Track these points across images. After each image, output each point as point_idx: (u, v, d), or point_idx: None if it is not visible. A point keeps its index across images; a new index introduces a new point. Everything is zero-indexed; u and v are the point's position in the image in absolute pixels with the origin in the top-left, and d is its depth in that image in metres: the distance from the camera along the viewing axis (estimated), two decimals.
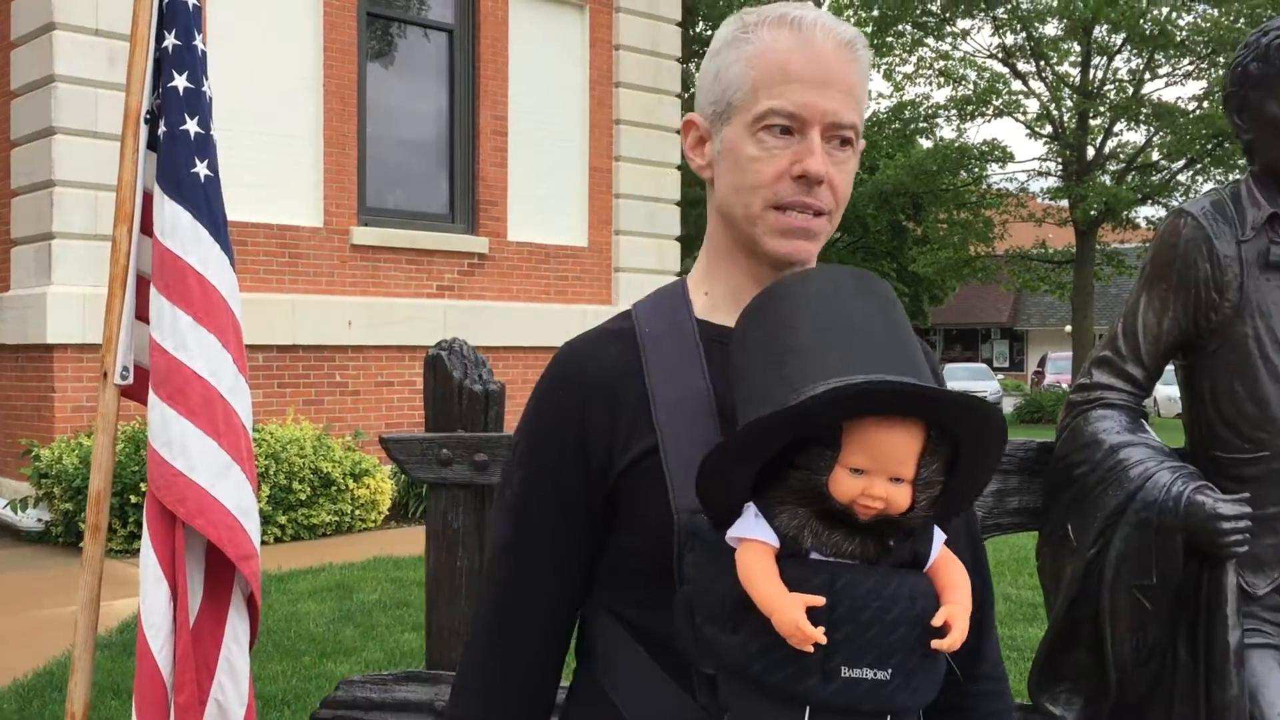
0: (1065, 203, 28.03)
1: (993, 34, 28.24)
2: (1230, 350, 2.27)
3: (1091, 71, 27.62)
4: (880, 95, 33.31)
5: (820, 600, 1.13)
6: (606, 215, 13.03)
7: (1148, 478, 2.18)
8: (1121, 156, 28.36)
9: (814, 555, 1.18)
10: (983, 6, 27.33)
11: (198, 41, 2.76)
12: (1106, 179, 27.34)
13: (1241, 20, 24.44)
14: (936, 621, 1.17)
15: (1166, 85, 27.86)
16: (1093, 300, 27.41)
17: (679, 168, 14.19)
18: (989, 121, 28.68)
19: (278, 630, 5.99)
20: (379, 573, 7.47)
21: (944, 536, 1.24)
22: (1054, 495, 2.37)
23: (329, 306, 10.41)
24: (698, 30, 28.81)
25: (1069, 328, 30.35)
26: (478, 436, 2.84)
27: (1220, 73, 25.64)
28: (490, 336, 11.15)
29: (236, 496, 2.61)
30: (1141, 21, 24.85)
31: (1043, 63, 28.04)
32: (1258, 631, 2.23)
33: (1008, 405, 32.54)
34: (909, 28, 28.41)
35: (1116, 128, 27.86)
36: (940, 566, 1.23)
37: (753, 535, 1.18)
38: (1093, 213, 26.00)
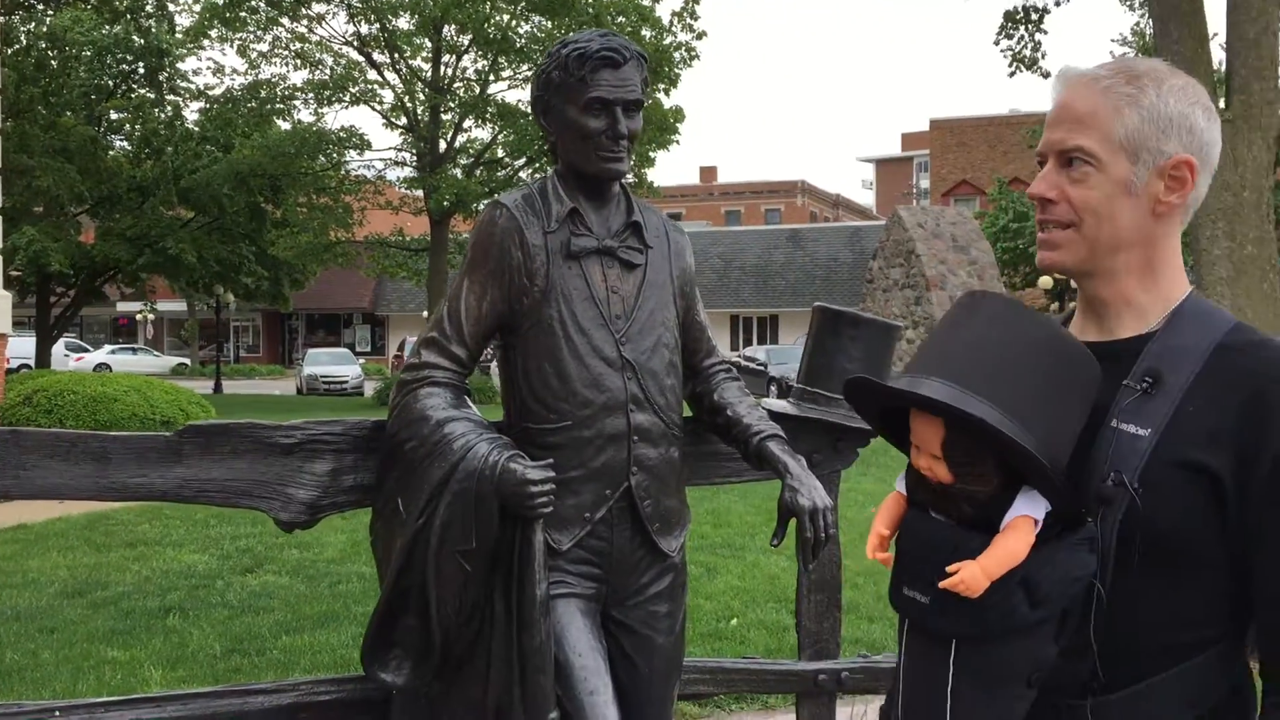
0: (420, 192, 29.17)
1: (348, 21, 28.54)
2: (539, 331, 2.51)
3: (443, 69, 28.99)
4: (235, 71, 32.21)
5: (884, 531, 1.64)
6: None
7: (469, 449, 2.33)
8: (471, 151, 30.13)
9: (931, 512, 1.58)
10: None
11: None
12: (458, 172, 28.89)
13: (571, 32, 27.01)
14: (950, 569, 1.48)
15: (509, 87, 30.00)
16: (446, 286, 28.74)
17: None
18: (347, 108, 29.09)
19: None
20: None
21: (1022, 512, 1.49)
22: (386, 471, 2.46)
23: None
24: None
25: (426, 313, 31.58)
26: None
27: None
28: None
29: None
30: (486, 25, 26.52)
31: (397, 55, 28.88)
32: (562, 583, 2.49)
33: (369, 389, 33.17)
34: (263, 4, 27.76)
35: (466, 124, 29.55)
36: (999, 535, 1.49)
37: (897, 486, 1.65)
38: (445, 203, 27.33)
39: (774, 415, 2.96)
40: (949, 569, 1.47)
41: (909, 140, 76.64)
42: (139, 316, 53.70)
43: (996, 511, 1.50)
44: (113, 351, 50.18)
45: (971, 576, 1.46)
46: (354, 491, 2.53)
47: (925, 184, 61.08)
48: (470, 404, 2.52)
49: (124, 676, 5.36)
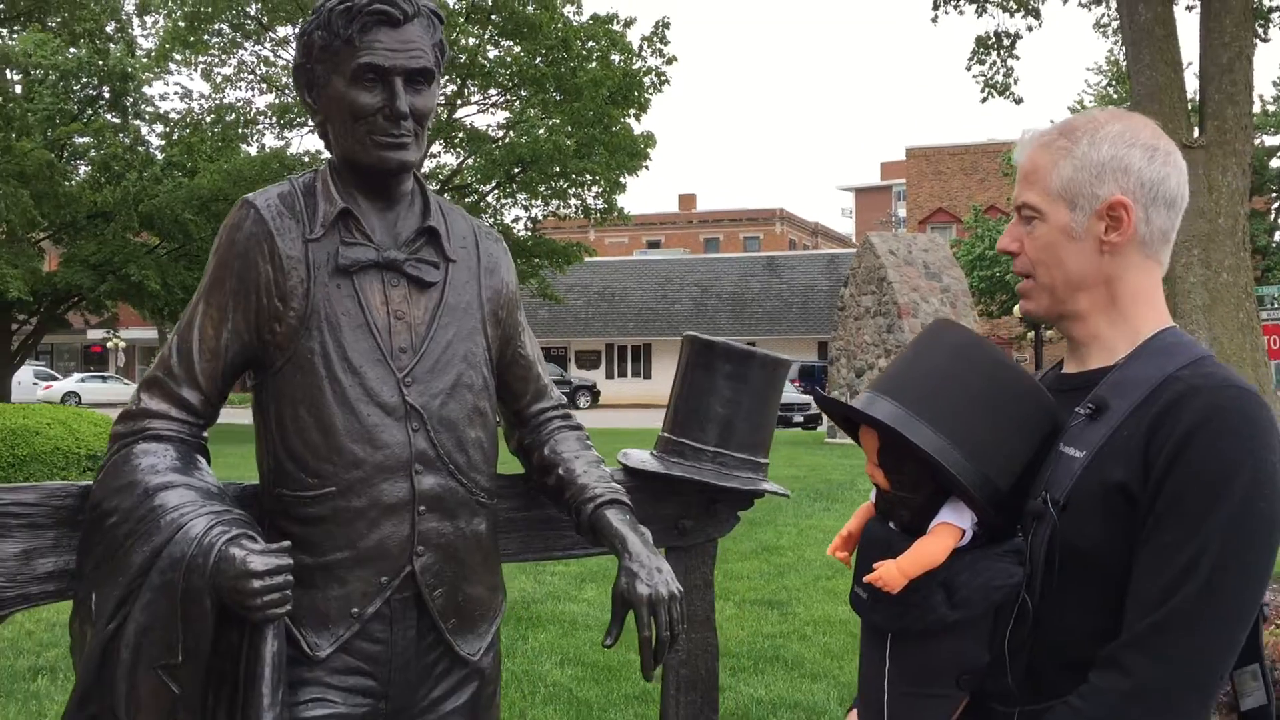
0: None
1: None
2: (296, 369, 1.93)
3: None
4: (201, 95, 31.62)
5: (844, 534, 1.82)
6: None
7: (179, 527, 1.75)
8: (439, 177, 29.57)
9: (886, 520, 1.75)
10: (304, 16, 27.00)
11: None
12: None
13: (539, 58, 26.57)
14: (875, 565, 1.62)
15: (478, 112, 29.48)
16: None
17: None
18: (311, 132, 28.41)
19: None
20: None
21: (945, 520, 1.62)
22: (86, 552, 1.87)
23: None
24: None
25: None
26: None
27: (519, 104, 27.68)
28: None
29: None
30: (453, 50, 26.03)
31: None
32: (322, 700, 1.89)
33: None
34: (226, 28, 27.23)
35: (434, 149, 28.97)
36: (919, 539, 1.63)
37: (871, 497, 1.82)
38: None
39: (633, 473, 2.38)
40: (874, 565, 1.62)
41: (888, 169, 76.49)
42: (109, 344, 52.77)
43: (926, 519, 1.65)
44: (82, 380, 49.30)
45: (889, 574, 1.60)
46: (54, 579, 1.93)
47: (903, 212, 60.85)
48: (203, 465, 1.93)
49: None
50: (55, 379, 49.95)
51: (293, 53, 25.55)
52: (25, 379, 44.40)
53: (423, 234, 2.03)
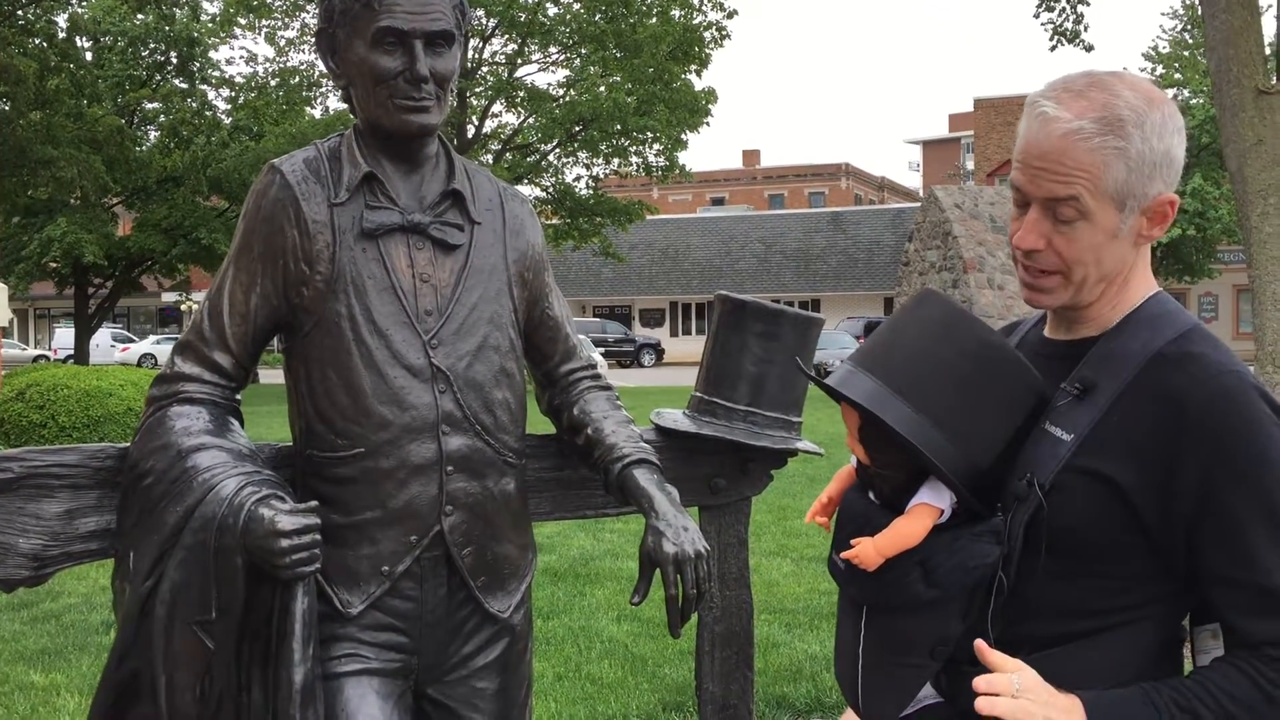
0: None
1: None
2: (324, 332, 1.95)
3: (470, 52, 28.46)
4: (265, 59, 31.93)
5: (824, 499, 1.84)
6: None
7: (210, 488, 1.79)
8: (500, 136, 29.62)
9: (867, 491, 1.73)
10: None
11: None
12: (488, 157, 28.36)
13: (598, 15, 26.40)
14: (852, 542, 1.62)
15: (539, 70, 29.45)
16: None
17: None
18: None
19: None
20: None
21: (924, 500, 1.61)
22: (125, 512, 1.92)
23: None
24: None
25: None
26: None
27: (580, 62, 27.57)
28: None
29: None
30: (512, 8, 25.97)
31: None
32: (355, 655, 1.94)
33: None
34: None
35: (495, 108, 29.02)
36: (897, 518, 1.62)
37: (851, 462, 1.77)
38: None
39: (665, 432, 2.39)
40: (851, 542, 1.63)
41: (956, 121, 75.17)
42: (182, 307, 53.87)
43: (906, 496, 1.64)
44: (157, 342, 50.35)
45: (865, 553, 1.60)
46: (96, 538, 1.98)
47: (972, 164, 59.80)
48: (235, 426, 1.97)
49: (34, 705, 4.90)
50: (132, 341, 51.07)
51: None
52: (103, 341, 45.49)
53: (447, 197, 2.04)
